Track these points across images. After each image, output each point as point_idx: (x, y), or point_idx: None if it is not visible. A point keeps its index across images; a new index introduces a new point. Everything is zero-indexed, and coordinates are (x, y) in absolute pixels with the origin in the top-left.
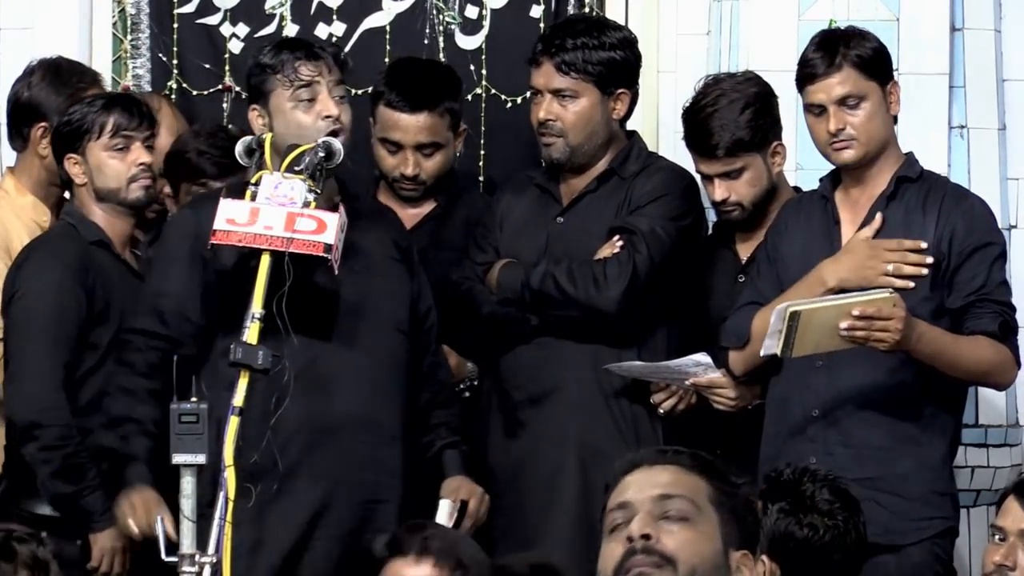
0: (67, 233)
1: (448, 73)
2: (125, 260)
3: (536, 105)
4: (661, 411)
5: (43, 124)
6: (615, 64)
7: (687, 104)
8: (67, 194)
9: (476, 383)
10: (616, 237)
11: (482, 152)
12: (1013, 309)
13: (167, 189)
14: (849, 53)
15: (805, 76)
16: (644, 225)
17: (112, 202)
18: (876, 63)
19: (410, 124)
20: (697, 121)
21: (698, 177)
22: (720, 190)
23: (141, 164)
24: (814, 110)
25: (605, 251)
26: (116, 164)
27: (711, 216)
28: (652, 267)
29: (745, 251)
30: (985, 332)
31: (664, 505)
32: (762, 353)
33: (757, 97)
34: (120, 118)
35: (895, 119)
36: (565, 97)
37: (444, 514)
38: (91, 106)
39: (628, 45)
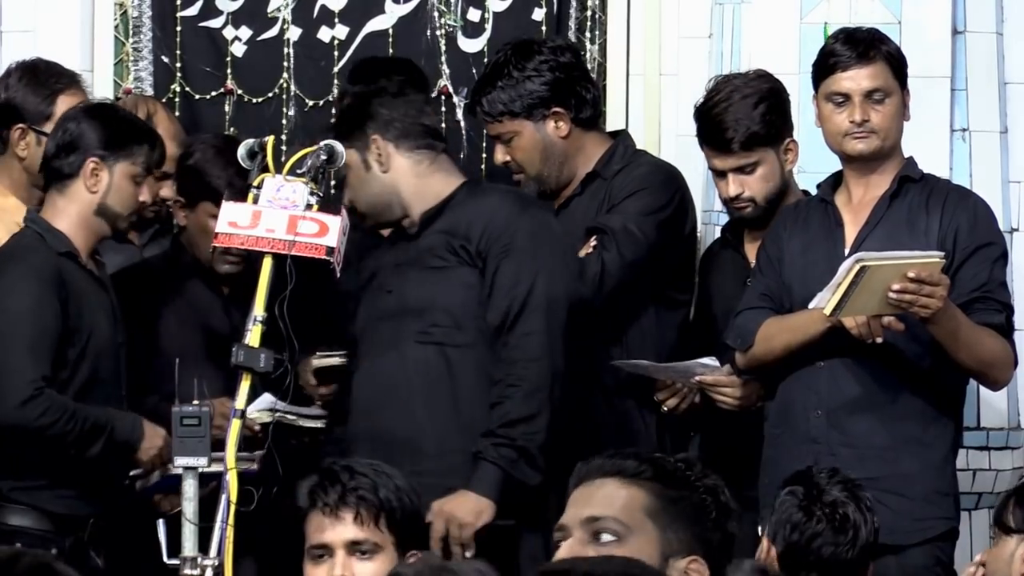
0: (36, 244)
1: (411, 67)
2: (90, 270)
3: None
4: (664, 409)
5: (21, 126)
6: (534, 92)
7: (700, 101)
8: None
9: None
10: (592, 238)
11: (484, 155)
12: (1012, 311)
13: (166, 192)
14: (883, 49)
15: (830, 65)
16: (616, 223)
17: (106, 221)
18: (902, 66)
19: None
20: (711, 116)
21: (711, 176)
22: (733, 186)
23: (143, 202)
24: (836, 99)
25: (581, 252)
26: (133, 193)
27: (718, 218)
28: (624, 264)
29: (754, 254)
30: (990, 324)
31: (594, 527)
32: (811, 305)
33: (770, 93)
34: (151, 157)
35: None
36: (505, 141)
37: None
38: (137, 128)
39: (552, 65)
